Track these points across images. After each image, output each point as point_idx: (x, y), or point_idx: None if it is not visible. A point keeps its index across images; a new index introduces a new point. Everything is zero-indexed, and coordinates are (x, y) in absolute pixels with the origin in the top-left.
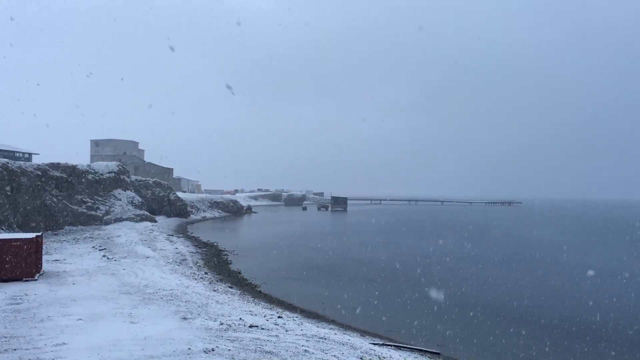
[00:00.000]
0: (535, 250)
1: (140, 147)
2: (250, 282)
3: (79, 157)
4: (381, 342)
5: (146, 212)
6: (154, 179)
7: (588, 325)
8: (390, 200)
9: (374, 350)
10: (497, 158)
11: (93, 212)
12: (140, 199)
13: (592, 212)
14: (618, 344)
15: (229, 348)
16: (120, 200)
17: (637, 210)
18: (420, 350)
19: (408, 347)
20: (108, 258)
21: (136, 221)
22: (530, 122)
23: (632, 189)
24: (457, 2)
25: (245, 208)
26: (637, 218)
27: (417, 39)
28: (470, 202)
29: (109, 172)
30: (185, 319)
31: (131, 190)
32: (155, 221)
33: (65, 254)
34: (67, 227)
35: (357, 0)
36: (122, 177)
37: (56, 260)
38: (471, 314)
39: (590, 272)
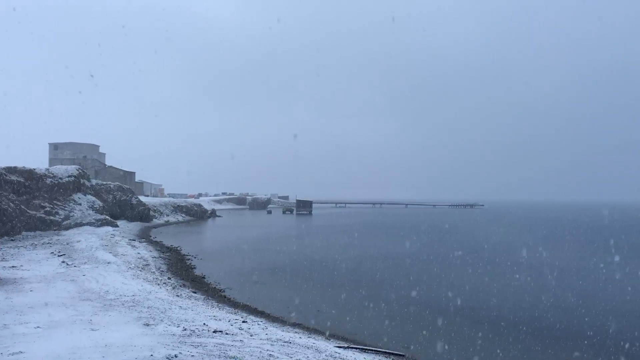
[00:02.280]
0: (492, 250)
1: (101, 150)
2: (215, 287)
3: (37, 160)
4: (346, 345)
5: (107, 217)
6: (115, 183)
7: (546, 322)
8: (355, 203)
9: (339, 354)
10: (461, 161)
11: (52, 217)
12: (101, 204)
13: (547, 213)
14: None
15: (192, 354)
16: (80, 204)
17: (592, 212)
18: (385, 353)
19: (373, 350)
20: (67, 264)
21: (97, 226)
22: (494, 127)
23: (592, 191)
24: (441, 3)
25: (209, 212)
26: (585, 219)
27: (388, 46)
28: (434, 205)
29: (69, 176)
30: (147, 325)
31: (91, 195)
32: (117, 226)
33: (23, 260)
34: (24, 233)
35: (326, 7)
36: (82, 181)
37: (13, 266)
38: (436, 314)
39: (544, 270)
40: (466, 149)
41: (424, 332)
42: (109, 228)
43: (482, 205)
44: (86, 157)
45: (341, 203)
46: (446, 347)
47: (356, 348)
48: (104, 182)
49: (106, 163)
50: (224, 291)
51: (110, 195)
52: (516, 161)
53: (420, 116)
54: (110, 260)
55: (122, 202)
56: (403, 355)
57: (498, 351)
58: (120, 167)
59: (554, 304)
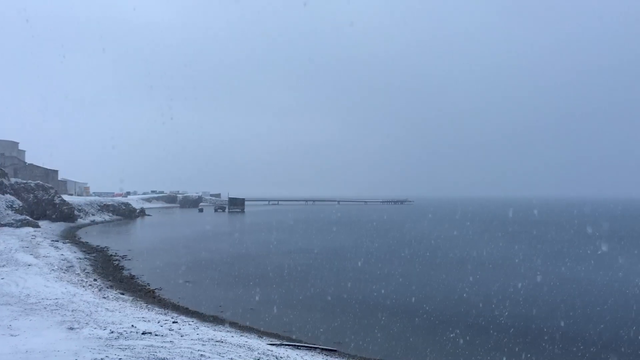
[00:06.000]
0: (420, 244)
1: (20, 147)
2: (144, 288)
3: None
4: (279, 342)
5: (28, 217)
6: (36, 182)
7: (478, 313)
8: (288, 200)
9: (272, 351)
10: (393, 158)
11: None
12: (20, 203)
13: (474, 208)
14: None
15: (120, 357)
16: None
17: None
18: (318, 349)
19: (305, 346)
20: None
21: (16, 227)
22: (421, 123)
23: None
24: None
25: (138, 211)
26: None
27: (326, 49)
28: (365, 202)
29: None
30: (71, 329)
31: (10, 194)
32: (38, 226)
33: None
34: None
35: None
36: None
37: None
38: (365, 309)
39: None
40: (398, 149)
41: (355, 326)
42: (30, 229)
43: (412, 201)
44: (4, 154)
45: (274, 200)
46: (376, 340)
47: (289, 345)
48: (24, 181)
49: (26, 161)
50: (153, 292)
51: (31, 195)
52: (446, 159)
53: (355, 117)
54: (31, 263)
55: (44, 202)
56: (335, 351)
57: (423, 343)
58: (41, 165)
59: (481, 296)
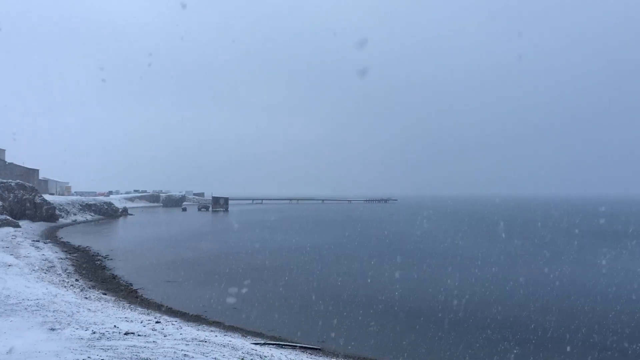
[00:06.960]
0: (399, 240)
1: (0, 146)
2: (126, 287)
3: None
4: (263, 342)
5: (8, 217)
6: (16, 181)
7: (458, 310)
8: (271, 199)
9: (256, 350)
10: (383, 157)
11: None
12: (0, 203)
13: (456, 206)
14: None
15: (102, 357)
16: None
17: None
18: (302, 347)
19: (290, 345)
20: None
21: None
22: (416, 122)
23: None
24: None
25: (120, 210)
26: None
27: (286, 42)
28: (349, 200)
29: None
30: (53, 329)
31: None
32: (19, 226)
33: None
34: None
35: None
36: None
37: None
38: (349, 307)
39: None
40: (389, 147)
41: (340, 325)
42: (10, 229)
43: (396, 200)
44: None
45: (258, 199)
46: (361, 338)
47: (273, 344)
48: (4, 180)
49: (6, 160)
50: (136, 291)
51: (11, 194)
52: (442, 158)
53: (343, 116)
54: (11, 263)
55: (24, 201)
56: (319, 349)
57: (407, 340)
58: (22, 164)
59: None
